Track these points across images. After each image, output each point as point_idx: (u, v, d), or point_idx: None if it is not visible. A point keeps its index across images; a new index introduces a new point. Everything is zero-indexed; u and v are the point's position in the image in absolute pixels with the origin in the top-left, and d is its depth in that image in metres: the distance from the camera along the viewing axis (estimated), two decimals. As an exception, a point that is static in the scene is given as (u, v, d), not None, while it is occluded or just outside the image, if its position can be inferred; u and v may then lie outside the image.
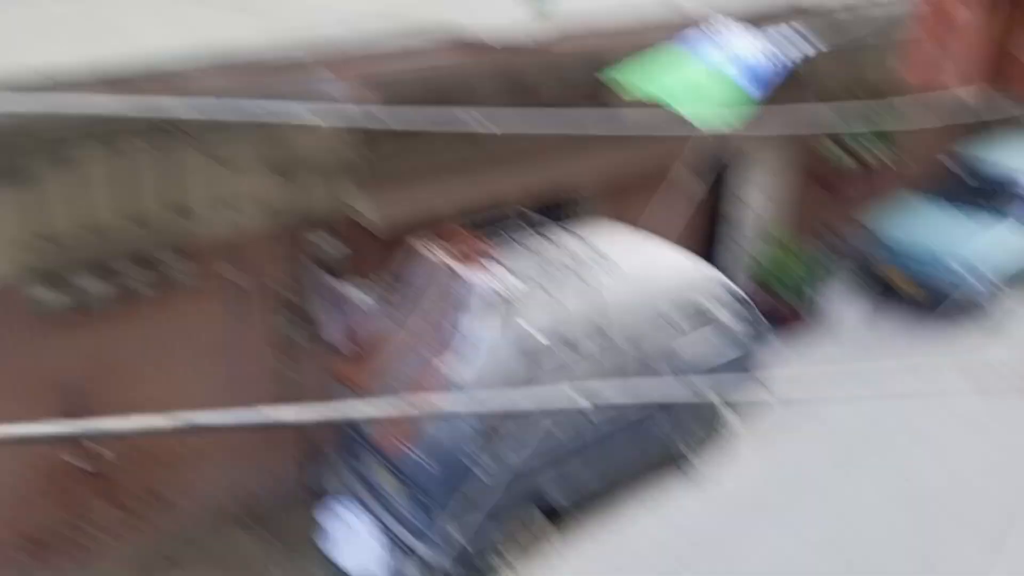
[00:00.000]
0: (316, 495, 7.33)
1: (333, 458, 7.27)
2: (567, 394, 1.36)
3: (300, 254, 6.80)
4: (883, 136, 10.28)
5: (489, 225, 7.45)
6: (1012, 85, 9.41)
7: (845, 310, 10.42)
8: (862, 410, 8.43)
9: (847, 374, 8.10)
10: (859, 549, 7.19)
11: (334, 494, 7.20)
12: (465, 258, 6.36)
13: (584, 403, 1.42)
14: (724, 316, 7.69)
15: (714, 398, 6.38)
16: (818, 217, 10.80)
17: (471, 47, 6.89)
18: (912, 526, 7.40)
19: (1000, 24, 9.30)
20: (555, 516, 7.07)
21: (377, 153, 6.66)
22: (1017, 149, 11.21)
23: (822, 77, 9.24)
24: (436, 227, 6.93)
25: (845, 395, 7.59)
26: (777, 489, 7.77)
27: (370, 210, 6.60)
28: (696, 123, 6.01)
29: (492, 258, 6.35)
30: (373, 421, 6.54)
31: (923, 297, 10.16)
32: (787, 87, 7.06)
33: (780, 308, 9.74)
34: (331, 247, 6.84)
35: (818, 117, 7.75)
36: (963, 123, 10.53)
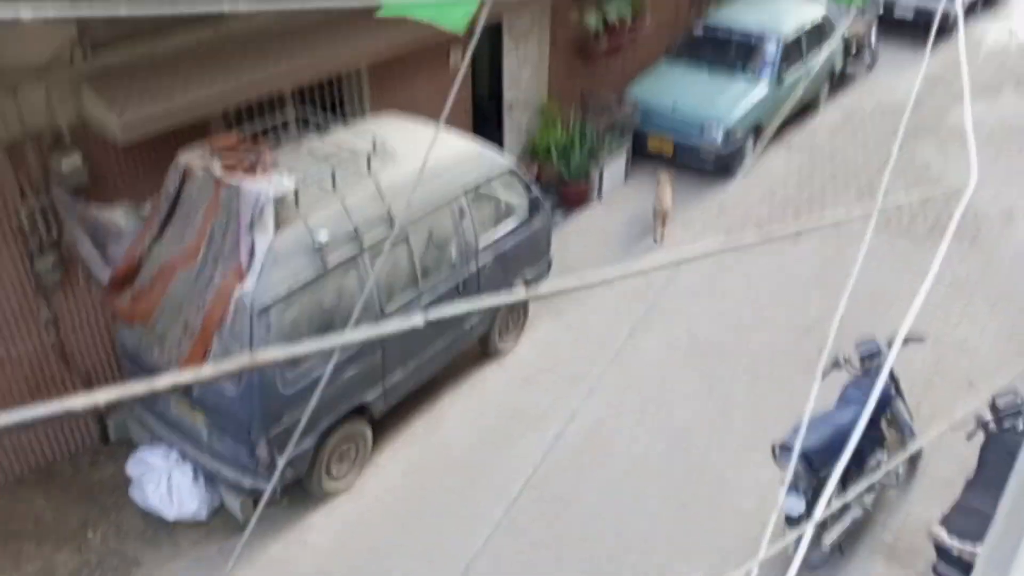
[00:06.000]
0: (118, 445, 6.80)
1: (129, 403, 6.66)
2: (405, 320, 1.24)
3: (41, 180, 6.01)
4: (633, 1, 10.87)
5: (262, 125, 7.20)
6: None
7: (619, 177, 10.87)
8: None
9: (620, 243, 9.53)
10: (652, 395, 7.64)
11: (138, 441, 6.66)
12: (236, 164, 5.94)
13: (417, 322, 1.28)
14: (509, 198, 7.65)
15: (520, 293, 6.13)
16: (583, 87, 11.01)
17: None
18: (700, 372, 7.93)
19: None
20: (373, 420, 6.79)
21: (102, 48, 6.00)
22: (758, 10, 12.16)
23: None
24: (198, 132, 6.49)
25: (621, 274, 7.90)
26: (572, 353, 8.14)
27: (107, 117, 5.89)
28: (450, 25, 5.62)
29: (266, 161, 5.99)
30: (163, 354, 6.02)
31: (678, 155, 10.76)
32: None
33: (560, 182, 10.16)
34: (72, 167, 6.01)
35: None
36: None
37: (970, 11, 16.18)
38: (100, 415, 6.95)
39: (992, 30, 16.09)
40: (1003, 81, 13.73)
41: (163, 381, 1.14)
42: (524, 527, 6.34)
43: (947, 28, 13.49)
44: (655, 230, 9.78)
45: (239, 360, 1.19)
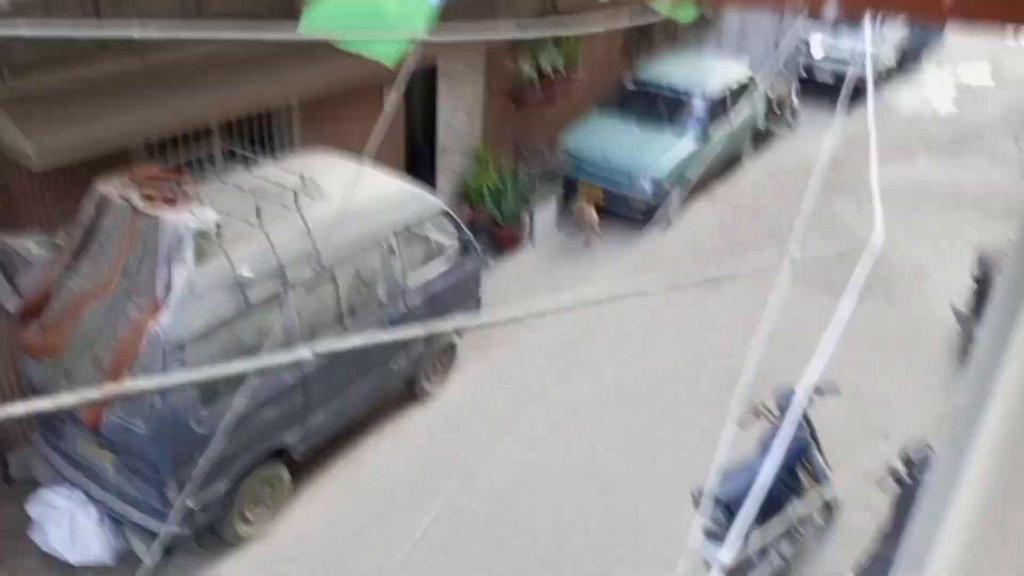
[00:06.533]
0: (20, 484, 6.42)
1: (32, 440, 6.37)
2: (292, 353, 1.22)
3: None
4: (566, 52, 11.20)
5: (186, 157, 7.04)
6: None
7: (550, 223, 11.08)
8: (571, 318, 8.72)
9: (550, 288, 9.54)
10: (578, 440, 7.63)
11: (41, 480, 6.31)
12: (158, 196, 5.79)
13: (306, 355, 1.26)
14: (440, 240, 7.61)
15: (445, 327, 6.12)
16: (516, 134, 11.22)
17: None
18: (626, 417, 7.94)
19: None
20: (292, 463, 6.59)
21: (20, 71, 5.81)
22: (685, 67, 12.62)
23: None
24: (119, 162, 6.33)
25: (551, 308, 8.29)
26: (499, 397, 8.08)
27: (23, 143, 5.67)
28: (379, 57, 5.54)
29: (188, 193, 5.86)
30: (71, 390, 5.75)
31: (608, 203, 10.94)
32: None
33: (491, 226, 10.24)
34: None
35: (502, 30, 8.16)
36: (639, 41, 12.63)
37: (886, 78, 17.04)
38: (1, 453, 6.59)
39: (908, 97, 16.94)
40: (917, 145, 14.43)
41: (16, 408, 1.07)
42: (449, 572, 6.19)
43: (864, 93, 14.16)
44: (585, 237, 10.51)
45: (105, 389, 1.13)
